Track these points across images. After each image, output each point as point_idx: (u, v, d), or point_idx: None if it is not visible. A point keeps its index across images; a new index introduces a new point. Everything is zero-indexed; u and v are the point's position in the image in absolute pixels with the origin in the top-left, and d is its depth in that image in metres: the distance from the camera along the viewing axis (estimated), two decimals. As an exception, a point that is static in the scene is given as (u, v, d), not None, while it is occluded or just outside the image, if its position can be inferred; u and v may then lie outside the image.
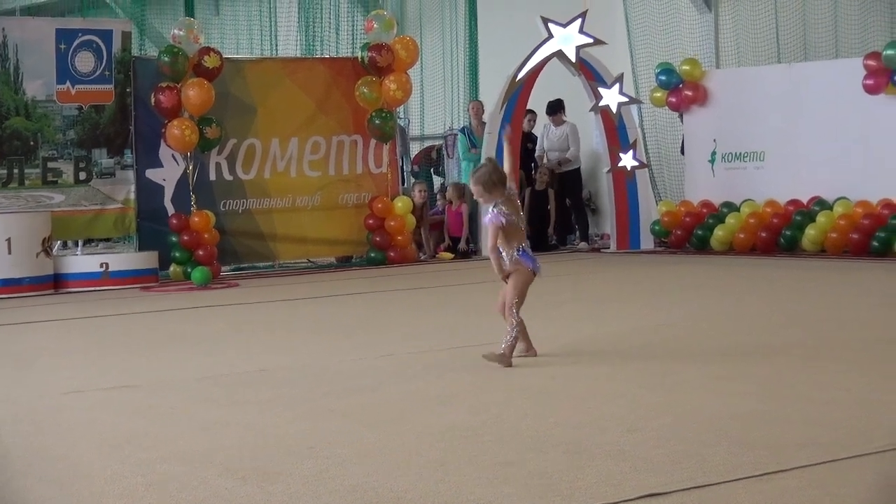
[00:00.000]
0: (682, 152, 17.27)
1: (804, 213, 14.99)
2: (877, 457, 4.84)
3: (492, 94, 16.83)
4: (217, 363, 7.99)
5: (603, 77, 16.21)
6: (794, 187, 15.37)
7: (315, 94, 15.58)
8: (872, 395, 6.11)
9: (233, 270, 15.29)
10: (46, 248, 13.27)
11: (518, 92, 16.22)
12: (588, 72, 16.21)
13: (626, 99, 16.25)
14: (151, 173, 14.52)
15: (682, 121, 17.16)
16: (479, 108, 17.46)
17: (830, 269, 13.29)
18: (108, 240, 15.64)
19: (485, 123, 16.79)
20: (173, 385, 7.22)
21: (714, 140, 16.38)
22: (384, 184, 15.96)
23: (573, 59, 15.96)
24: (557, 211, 17.39)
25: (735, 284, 12.22)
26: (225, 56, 14.71)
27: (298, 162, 15.50)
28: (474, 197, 7.58)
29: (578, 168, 17.78)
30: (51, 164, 13.97)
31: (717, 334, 8.54)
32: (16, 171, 13.73)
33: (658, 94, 16.81)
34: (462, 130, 17.74)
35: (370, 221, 15.70)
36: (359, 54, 15.83)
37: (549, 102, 17.55)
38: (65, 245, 15.58)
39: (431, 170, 19.32)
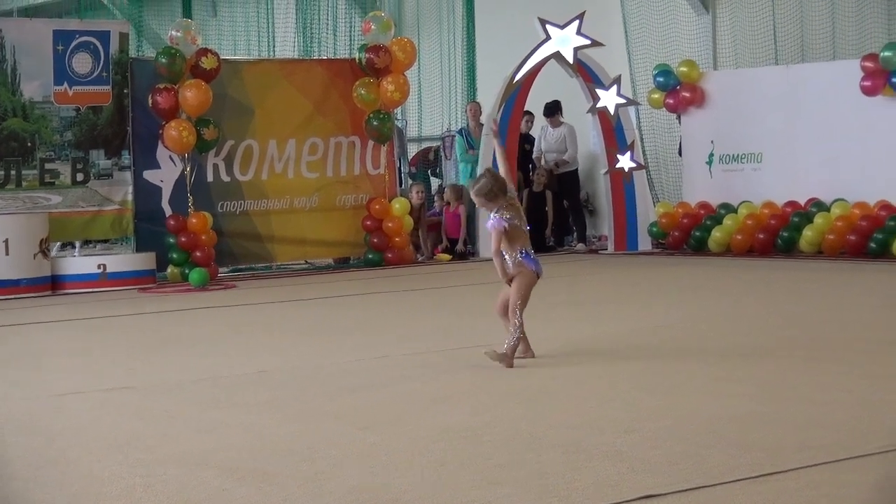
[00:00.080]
0: (680, 154, 17.27)
1: (801, 214, 15.00)
2: (877, 458, 4.84)
3: (489, 96, 16.83)
4: (215, 365, 7.99)
5: (600, 78, 16.22)
6: (792, 189, 15.37)
7: (313, 96, 15.57)
8: (874, 395, 6.11)
9: (230, 272, 15.27)
10: (44, 250, 13.26)
11: (516, 93, 16.22)
12: (586, 73, 16.21)
13: (623, 100, 16.27)
14: (149, 174, 14.51)
15: (679, 122, 17.16)
16: (476, 110, 17.46)
17: (828, 270, 13.30)
18: (105, 241, 15.64)
19: (482, 125, 16.79)
20: (171, 386, 7.22)
21: (712, 141, 16.38)
22: (382, 185, 15.96)
23: (571, 60, 15.97)
24: (555, 212, 17.39)
25: (733, 286, 12.23)
26: (222, 57, 14.70)
27: (296, 163, 15.49)
28: (477, 206, 7.64)
29: (576, 169, 17.78)
30: (48, 166, 13.97)
31: (715, 335, 8.54)
32: (13, 172, 13.72)
33: (656, 96, 16.81)
34: (460, 132, 17.73)
35: (368, 223, 15.70)
36: (356, 56, 15.83)
37: (547, 104, 17.54)
38: (66, 246, 15.58)
39: (429, 171, 19.31)
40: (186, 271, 13.86)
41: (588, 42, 15.92)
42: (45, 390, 7.24)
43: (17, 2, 21.33)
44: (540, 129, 17.94)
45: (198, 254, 14.13)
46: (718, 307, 10.46)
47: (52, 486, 4.88)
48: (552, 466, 4.85)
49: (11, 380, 7.74)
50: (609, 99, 16.10)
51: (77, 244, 15.55)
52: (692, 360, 7.42)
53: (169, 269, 14.24)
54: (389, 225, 15.68)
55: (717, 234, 15.66)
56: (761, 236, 15.17)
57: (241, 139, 15.08)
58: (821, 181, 15.13)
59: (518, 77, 16.01)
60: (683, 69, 16.48)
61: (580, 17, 15.86)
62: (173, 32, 14.35)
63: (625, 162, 16.27)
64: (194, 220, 14.20)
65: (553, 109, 17.58)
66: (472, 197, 7.57)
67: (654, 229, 16.48)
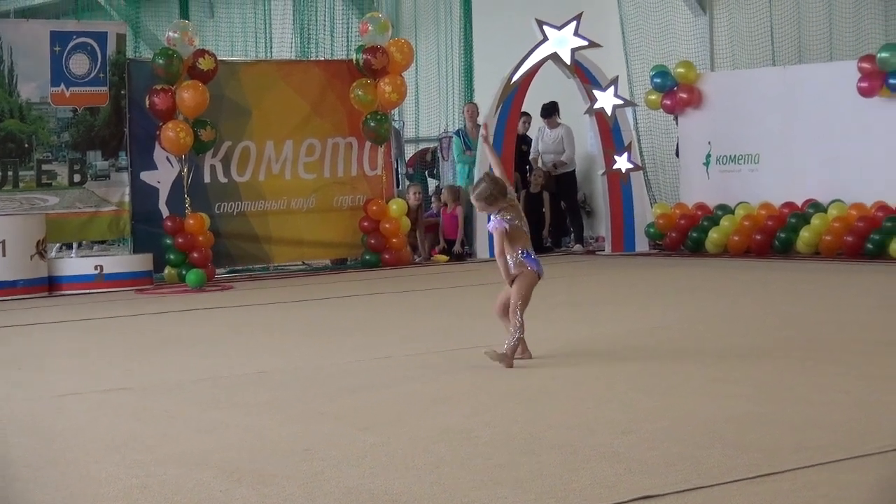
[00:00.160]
0: (677, 155, 17.28)
1: (799, 215, 15.01)
2: (874, 458, 4.85)
3: (487, 97, 16.84)
4: (213, 365, 7.99)
5: (598, 80, 16.23)
6: (789, 190, 15.39)
7: (310, 97, 15.57)
8: (871, 396, 6.12)
9: (227, 273, 15.28)
10: (41, 251, 13.26)
11: (513, 94, 16.23)
12: (583, 74, 16.22)
13: (620, 101, 16.28)
14: (146, 176, 14.51)
15: (676, 123, 17.17)
16: (473, 111, 17.47)
17: (825, 271, 13.31)
18: (102, 242, 15.63)
19: (479, 126, 16.79)
20: (169, 387, 7.22)
21: (709, 142, 16.40)
22: (379, 186, 15.96)
23: (568, 61, 15.97)
24: (552, 213, 17.39)
25: (730, 287, 12.24)
26: (220, 58, 14.71)
27: (293, 164, 15.49)
28: (478, 211, 7.66)
29: (573, 170, 17.78)
30: (45, 167, 13.96)
31: (712, 336, 8.55)
32: (10, 173, 13.72)
33: (653, 97, 16.82)
34: (457, 133, 17.74)
35: (365, 224, 15.70)
36: (354, 57, 15.83)
37: (544, 105, 17.55)
38: (64, 247, 15.58)
39: (426, 172, 19.31)
40: (183, 272, 13.86)
41: (585, 43, 15.93)
42: (43, 391, 7.24)
43: (14, 3, 21.36)
44: (537, 130, 17.94)
45: (195, 255, 14.13)
46: (715, 308, 10.47)
47: (50, 487, 4.88)
48: (549, 467, 4.85)
49: (8, 381, 7.73)
50: (606, 100, 16.11)
51: (74, 245, 15.53)
52: (689, 361, 7.43)
53: (166, 271, 14.24)
54: (387, 226, 15.68)
55: (714, 235, 15.67)
56: (758, 237, 15.18)
57: (239, 140, 15.08)
58: (818, 182, 15.14)
59: (515, 78, 16.01)
60: (680, 70, 16.50)
61: (577, 18, 15.87)
62: (170, 33, 14.35)
63: (622, 163, 16.27)
64: (191, 222, 14.20)
65: (550, 110, 17.58)
66: (473, 202, 7.63)
67: (652, 230, 16.49)
